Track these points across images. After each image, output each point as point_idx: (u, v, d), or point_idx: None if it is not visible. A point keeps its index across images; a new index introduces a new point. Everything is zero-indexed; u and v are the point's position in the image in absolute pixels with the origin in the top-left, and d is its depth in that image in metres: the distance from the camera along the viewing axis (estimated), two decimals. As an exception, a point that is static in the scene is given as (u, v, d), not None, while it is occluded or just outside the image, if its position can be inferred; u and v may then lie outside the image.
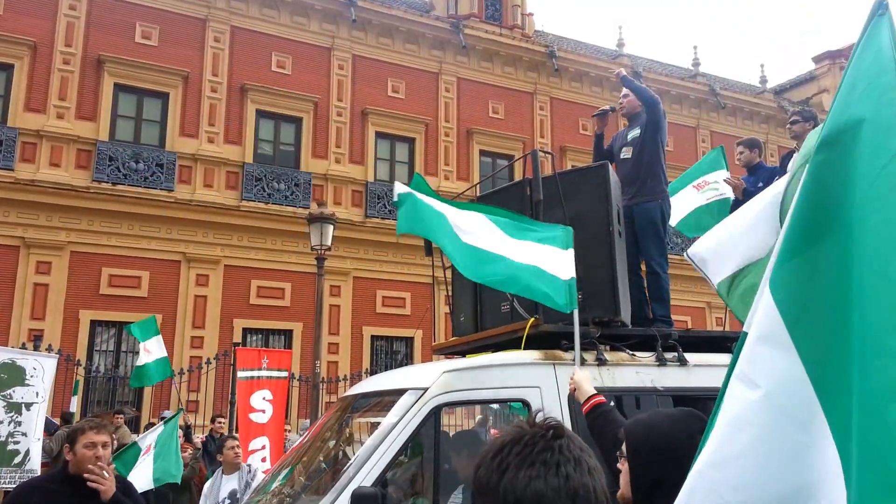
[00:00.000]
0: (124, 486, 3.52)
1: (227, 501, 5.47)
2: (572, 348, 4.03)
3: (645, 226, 5.05)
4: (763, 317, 1.50)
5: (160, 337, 10.08)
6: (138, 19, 16.31)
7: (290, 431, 9.45)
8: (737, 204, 6.33)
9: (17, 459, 6.43)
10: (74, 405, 10.94)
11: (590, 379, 2.97)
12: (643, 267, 5.22)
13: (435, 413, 3.50)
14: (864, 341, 1.28)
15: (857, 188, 1.39)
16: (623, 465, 1.79)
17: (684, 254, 3.34)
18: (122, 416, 10.54)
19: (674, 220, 6.74)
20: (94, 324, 14.84)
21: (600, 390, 3.93)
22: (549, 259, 3.81)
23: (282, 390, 7.81)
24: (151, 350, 9.76)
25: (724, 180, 6.33)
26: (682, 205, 7.03)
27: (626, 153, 5.26)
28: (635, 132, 5.32)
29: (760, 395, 1.42)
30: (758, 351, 1.48)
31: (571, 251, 3.83)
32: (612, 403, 4.09)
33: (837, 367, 1.32)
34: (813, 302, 1.44)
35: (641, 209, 5.06)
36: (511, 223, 4.04)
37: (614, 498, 3.31)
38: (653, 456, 1.69)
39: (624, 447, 1.78)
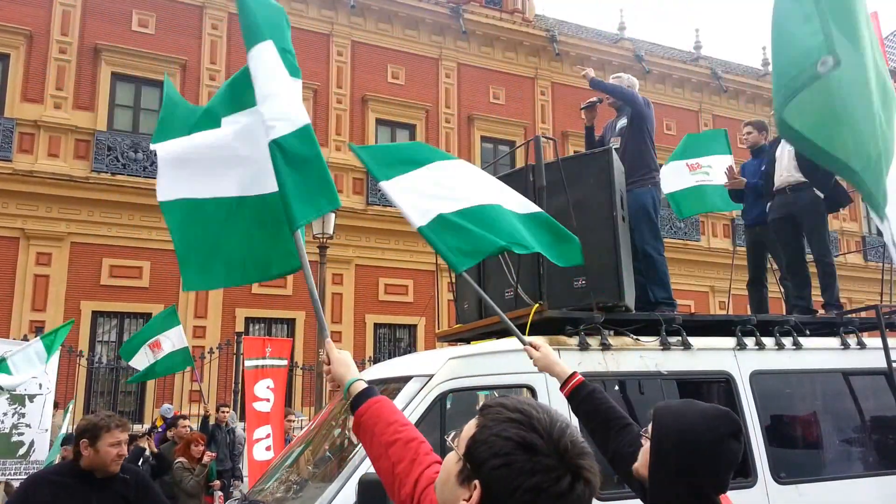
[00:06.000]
0: (142, 481, 3.49)
1: None
2: (577, 334, 4.02)
3: (637, 211, 5.16)
4: None
5: (181, 327, 10.07)
6: (134, 7, 16.18)
7: (292, 421, 9.40)
8: (735, 193, 6.32)
9: (22, 451, 6.46)
10: None
11: (556, 354, 2.61)
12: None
13: (441, 400, 3.51)
14: None
15: None
16: (645, 443, 1.81)
17: None
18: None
19: (665, 189, 6.79)
20: (96, 315, 14.83)
21: (604, 375, 3.93)
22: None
23: (282, 379, 7.83)
24: (172, 340, 9.74)
25: (725, 172, 6.32)
26: (672, 177, 7.05)
27: (616, 143, 5.43)
28: (623, 122, 5.53)
29: None
30: None
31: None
32: (616, 387, 4.09)
33: None
34: None
35: (633, 195, 5.16)
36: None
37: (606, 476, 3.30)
38: (676, 449, 1.70)
39: (650, 427, 1.78)
